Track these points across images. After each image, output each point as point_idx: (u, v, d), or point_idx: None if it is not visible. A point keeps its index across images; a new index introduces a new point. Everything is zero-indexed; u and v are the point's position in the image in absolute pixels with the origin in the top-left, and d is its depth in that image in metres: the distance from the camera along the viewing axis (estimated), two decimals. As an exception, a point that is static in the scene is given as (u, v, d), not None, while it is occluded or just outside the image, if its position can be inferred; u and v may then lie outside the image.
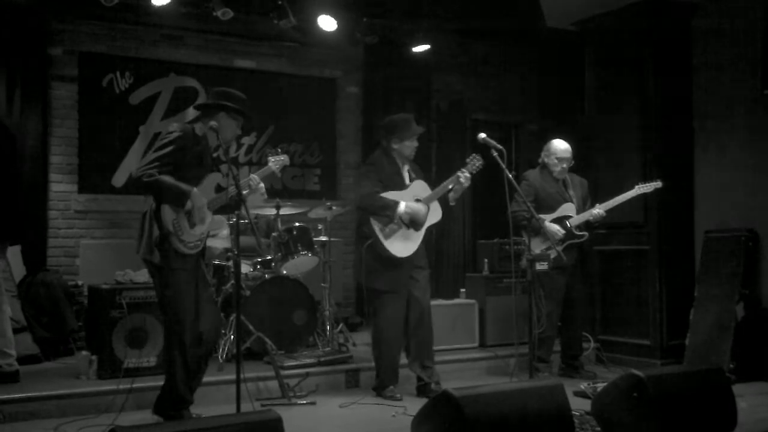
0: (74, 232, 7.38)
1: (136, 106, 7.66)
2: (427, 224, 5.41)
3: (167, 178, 4.27)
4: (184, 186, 4.30)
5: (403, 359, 5.59)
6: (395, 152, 5.47)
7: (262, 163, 8.17)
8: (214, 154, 4.18)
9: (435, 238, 8.69)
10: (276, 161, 4.75)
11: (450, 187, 5.36)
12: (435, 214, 5.46)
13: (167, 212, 4.32)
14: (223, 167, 4.47)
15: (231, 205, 4.63)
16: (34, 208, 7.07)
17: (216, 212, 4.67)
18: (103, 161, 7.46)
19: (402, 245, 5.32)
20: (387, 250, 5.29)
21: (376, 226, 5.31)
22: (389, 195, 5.34)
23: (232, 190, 4.51)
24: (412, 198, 5.38)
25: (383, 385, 5.44)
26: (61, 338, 6.29)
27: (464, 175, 5.29)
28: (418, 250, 5.40)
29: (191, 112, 7.60)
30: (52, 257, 7.21)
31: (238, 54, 8.23)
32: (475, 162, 5.33)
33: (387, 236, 5.30)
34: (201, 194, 4.37)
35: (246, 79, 8.18)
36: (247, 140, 8.04)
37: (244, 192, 4.45)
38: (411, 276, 5.43)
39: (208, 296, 4.61)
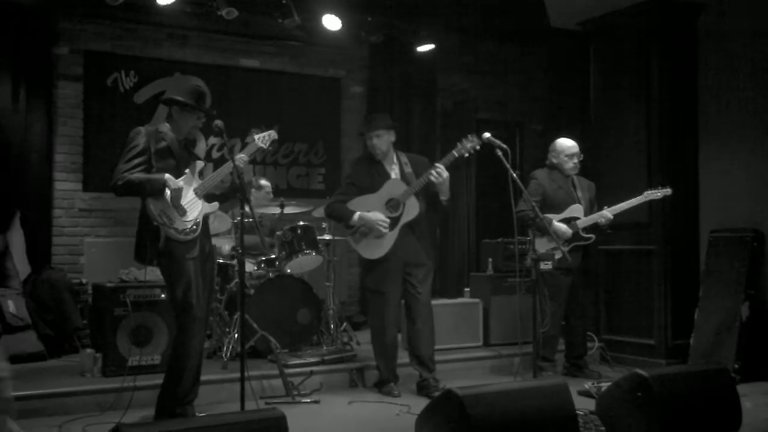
0: (78, 231, 7.40)
1: (141, 105, 7.67)
2: (402, 222, 5.39)
3: (137, 175, 4.31)
4: (154, 175, 4.34)
5: (406, 357, 5.60)
6: (371, 148, 5.54)
7: (266, 161, 8.22)
8: (218, 153, 4.21)
9: (439, 237, 8.70)
10: (261, 137, 4.69)
11: (423, 183, 5.31)
12: (411, 211, 5.39)
13: (152, 206, 4.34)
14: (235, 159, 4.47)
15: (229, 194, 4.68)
16: (39, 206, 7.10)
17: (216, 210, 4.69)
18: (108, 160, 7.45)
19: (371, 248, 5.39)
20: (360, 253, 5.46)
21: (347, 232, 5.48)
22: (361, 200, 5.42)
23: (221, 171, 4.54)
24: (385, 199, 5.40)
25: (382, 381, 5.51)
26: (65, 336, 6.31)
27: (436, 171, 5.24)
28: (402, 247, 5.38)
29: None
30: (56, 255, 7.22)
31: (243, 53, 8.23)
32: (466, 144, 5.25)
33: (357, 241, 5.45)
34: (174, 178, 4.37)
35: (250, 79, 8.20)
36: (248, 139, 8.03)
37: (241, 158, 4.55)
38: (405, 274, 5.44)
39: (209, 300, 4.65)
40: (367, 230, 5.37)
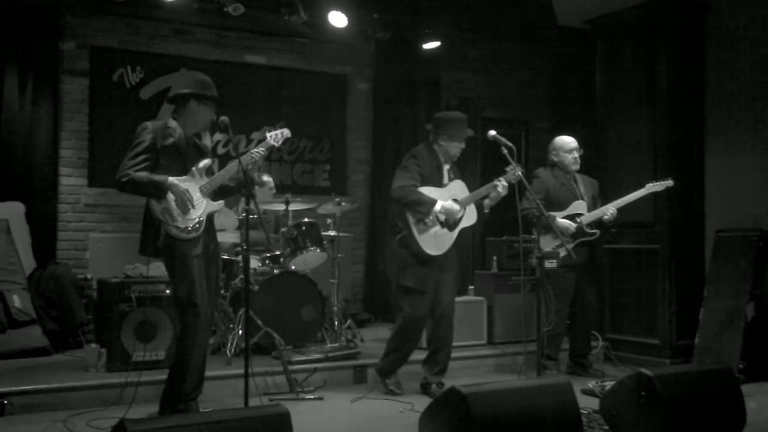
0: (84, 226, 7.41)
1: (147, 100, 7.67)
2: (461, 226, 5.32)
3: (141, 174, 4.29)
4: (157, 177, 4.31)
5: (417, 355, 5.59)
6: (440, 149, 5.39)
7: (271, 158, 8.22)
8: (224, 149, 4.19)
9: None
10: (274, 135, 4.65)
11: (486, 193, 5.28)
12: (470, 217, 5.38)
13: (155, 204, 4.34)
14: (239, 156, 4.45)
15: (236, 187, 4.65)
16: (45, 201, 7.11)
17: (221, 208, 4.69)
18: (114, 155, 7.45)
19: (434, 243, 5.23)
20: (419, 246, 5.20)
21: (411, 220, 5.23)
22: (427, 191, 5.24)
23: (228, 169, 4.52)
24: (449, 197, 5.30)
25: (387, 371, 5.47)
26: (70, 331, 6.32)
27: (501, 184, 5.19)
28: (449, 251, 5.31)
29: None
30: (61, 250, 7.24)
31: (249, 49, 8.23)
32: (516, 171, 5.16)
33: (421, 231, 5.21)
34: (178, 180, 4.34)
35: (256, 75, 8.20)
36: (256, 135, 8.05)
37: (250, 160, 4.52)
38: (438, 278, 5.32)
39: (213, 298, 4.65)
40: (434, 223, 5.21)
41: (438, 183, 5.33)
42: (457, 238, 5.36)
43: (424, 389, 5.42)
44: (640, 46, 6.85)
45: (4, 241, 6.29)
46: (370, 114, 8.83)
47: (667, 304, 6.54)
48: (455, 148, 5.38)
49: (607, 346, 6.79)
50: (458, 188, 5.41)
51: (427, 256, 5.21)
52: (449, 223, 5.27)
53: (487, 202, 5.34)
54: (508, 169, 5.19)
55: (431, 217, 5.19)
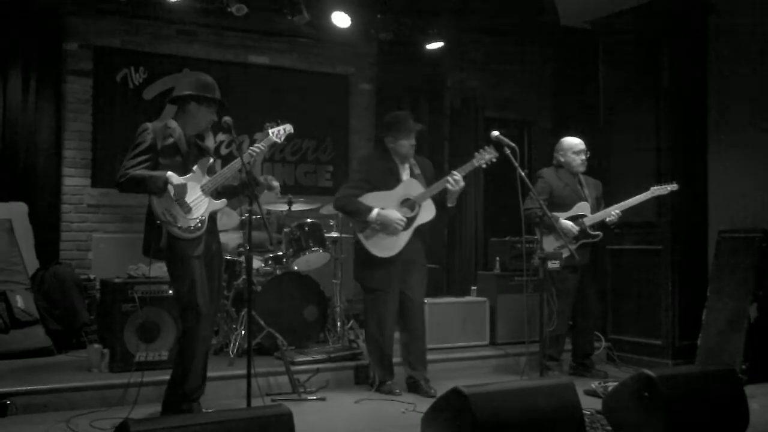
0: (87, 226, 7.42)
1: (150, 101, 7.67)
2: (416, 223, 5.38)
3: (139, 172, 4.30)
4: (156, 172, 4.32)
5: (398, 356, 5.60)
6: (392, 150, 5.47)
7: (274, 158, 8.22)
8: (227, 150, 4.20)
9: (446, 235, 8.69)
10: (276, 132, 4.69)
11: (441, 188, 5.31)
12: (427, 213, 5.42)
13: (156, 204, 4.33)
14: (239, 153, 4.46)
15: (239, 187, 4.66)
16: (48, 202, 7.12)
17: (223, 206, 4.69)
18: (117, 156, 7.45)
19: (384, 246, 5.32)
20: (369, 252, 5.33)
21: (356, 228, 5.38)
22: (376, 196, 5.34)
23: (231, 167, 4.53)
24: (400, 198, 5.37)
25: (379, 380, 5.48)
26: (73, 331, 6.33)
27: (452, 179, 5.23)
28: (408, 248, 5.36)
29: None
30: (64, 251, 7.25)
31: (252, 50, 8.23)
32: (485, 155, 5.26)
33: (367, 237, 5.34)
34: (176, 175, 4.33)
35: (259, 75, 8.20)
36: (259, 136, 8.01)
37: (253, 154, 4.59)
38: (404, 275, 5.41)
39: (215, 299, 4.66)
40: (380, 228, 5.31)
41: (390, 185, 5.41)
42: (416, 233, 5.40)
43: (413, 387, 5.44)
44: (642, 46, 6.85)
45: (7, 242, 6.30)
46: (373, 114, 8.83)
47: (669, 305, 6.53)
48: (403, 146, 5.43)
49: (609, 347, 6.78)
50: (412, 187, 5.43)
51: (383, 259, 5.30)
52: (389, 228, 5.31)
53: (447, 196, 5.37)
54: (476, 154, 5.28)
55: (372, 225, 5.29)
